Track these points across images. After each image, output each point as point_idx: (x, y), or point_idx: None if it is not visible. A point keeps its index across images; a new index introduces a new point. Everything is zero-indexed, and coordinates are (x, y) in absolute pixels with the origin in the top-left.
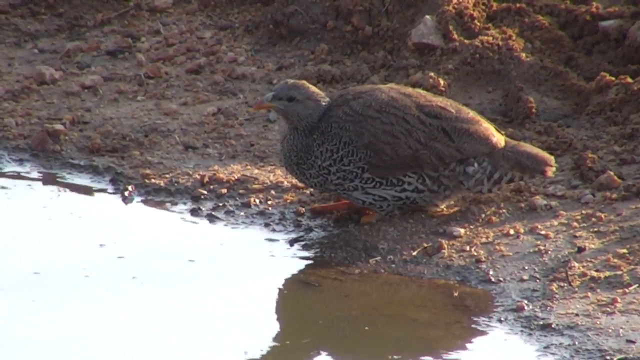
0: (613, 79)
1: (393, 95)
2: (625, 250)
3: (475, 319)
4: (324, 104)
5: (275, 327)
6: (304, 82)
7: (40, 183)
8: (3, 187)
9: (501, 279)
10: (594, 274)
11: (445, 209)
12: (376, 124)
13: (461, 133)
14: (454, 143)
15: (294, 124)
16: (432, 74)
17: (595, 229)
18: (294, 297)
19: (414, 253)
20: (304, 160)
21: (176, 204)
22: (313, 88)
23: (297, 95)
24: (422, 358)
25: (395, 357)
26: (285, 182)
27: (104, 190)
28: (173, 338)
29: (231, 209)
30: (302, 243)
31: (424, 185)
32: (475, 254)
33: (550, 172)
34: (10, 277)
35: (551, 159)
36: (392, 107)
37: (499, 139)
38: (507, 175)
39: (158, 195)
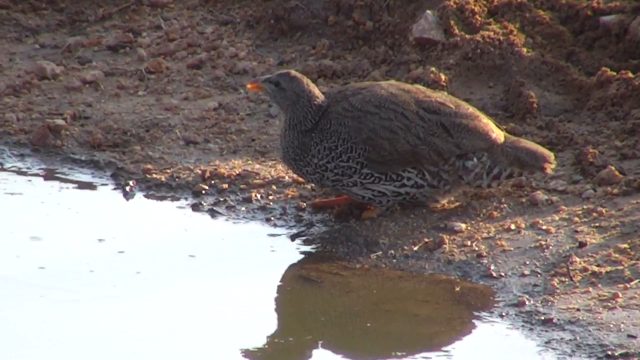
0: (614, 74)
1: (392, 91)
2: (626, 245)
3: (477, 314)
4: (315, 102)
5: (276, 323)
6: (303, 77)
7: (41, 178)
8: (4, 183)
9: (502, 274)
10: (595, 269)
11: (446, 204)
12: (375, 120)
13: (460, 128)
14: (452, 138)
15: (283, 110)
16: (433, 69)
17: (597, 224)
18: (295, 292)
19: (415, 248)
20: (301, 157)
21: (177, 199)
22: (307, 86)
23: (283, 83)
24: (424, 353)
25: (397, 352)
26: (287, 177)
27: (105, 186)
28: (176, 332)
29: (232, 204)
30: (304, 238)
31: (424, 181)
32: (477, 249)
33: (549, 168)
34: (16, 272)
35: (550, 155)
36: (391, 102)
37: (498, 134)
38: (506, 171)
39: (159, 191)
